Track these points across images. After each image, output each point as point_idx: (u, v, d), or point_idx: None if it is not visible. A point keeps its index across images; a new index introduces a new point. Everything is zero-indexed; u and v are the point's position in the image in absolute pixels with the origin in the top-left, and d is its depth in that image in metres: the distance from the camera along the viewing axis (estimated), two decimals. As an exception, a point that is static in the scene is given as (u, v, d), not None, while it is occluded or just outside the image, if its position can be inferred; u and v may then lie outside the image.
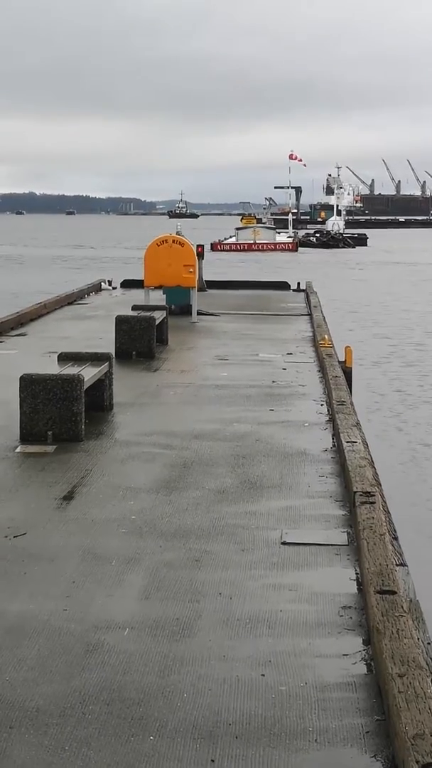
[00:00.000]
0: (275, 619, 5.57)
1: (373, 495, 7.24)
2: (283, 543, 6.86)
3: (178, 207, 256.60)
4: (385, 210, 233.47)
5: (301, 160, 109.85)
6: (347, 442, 8.97)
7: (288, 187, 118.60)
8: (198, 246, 22.86)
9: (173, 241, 20.00)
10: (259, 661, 5.05)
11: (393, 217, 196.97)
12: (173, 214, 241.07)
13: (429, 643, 5.25)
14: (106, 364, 11.02)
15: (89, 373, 10.32)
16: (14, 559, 6.51)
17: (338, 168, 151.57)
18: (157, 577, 6.21)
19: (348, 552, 6.71)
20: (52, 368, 10.60)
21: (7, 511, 7.54)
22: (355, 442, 9.00)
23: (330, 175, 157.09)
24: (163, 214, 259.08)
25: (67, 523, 7.30)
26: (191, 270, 19.87)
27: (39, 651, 5.14)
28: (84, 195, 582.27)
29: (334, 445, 9.74)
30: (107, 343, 15.34)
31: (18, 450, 9.39)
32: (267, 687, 4.78)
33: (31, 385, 9.70)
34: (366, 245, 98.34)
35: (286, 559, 6.58)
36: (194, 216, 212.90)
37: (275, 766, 4.11)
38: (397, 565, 6.06)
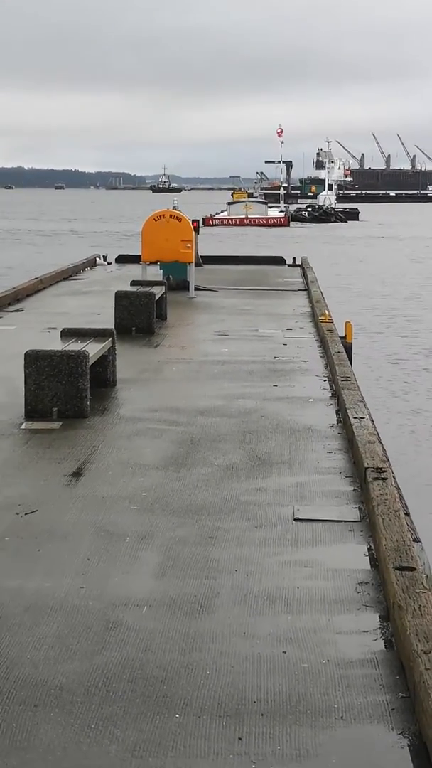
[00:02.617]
0: (293, 596, 5.57)
1: (385, 471, 7.23)
2: (296, 519, 6.85)
3: (162, 182, 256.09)
4: (375, 184, 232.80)
5: (280, 135, 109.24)
6: (355, 417, 8.95)
7: (279, 162, 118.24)
8: (193, 221, 22.76)
9: (171, 216, 19.91)
10: (280, 638, 5.04)
11: (384, 192, 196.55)
12: (156, 189, 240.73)
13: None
14: (110, 339, 10.98)
15: (93, 349, 10.27)
16: (27, 537, 6.49)
17: (329, 142, 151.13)
18: (171, 554, 6.20)
19: (361, 528, 6.70)
20: (54, 344, 10.56)
21: (16, 488, 7.52)
22: (363, 417, 8.98)
23: (321, 149, 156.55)
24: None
25: (78, 500, 7.28)
26: (189, 245, 19.78)
27: (58, 629, 5.13)
28: (73, 169, 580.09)
29: (339, 421, 9.73)
30: (106, 319, 15.29)
31: (23, 426, 9.35)
32: (289, 664, 4.77)
33: (36, 361, 9.65)
34: (357, 219, 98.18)
35: (300, 535, 6.57)
36: (177, 190, 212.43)
37: (303, 743, 4.10)
38: (412, 540, 6.06)
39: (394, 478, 7.41)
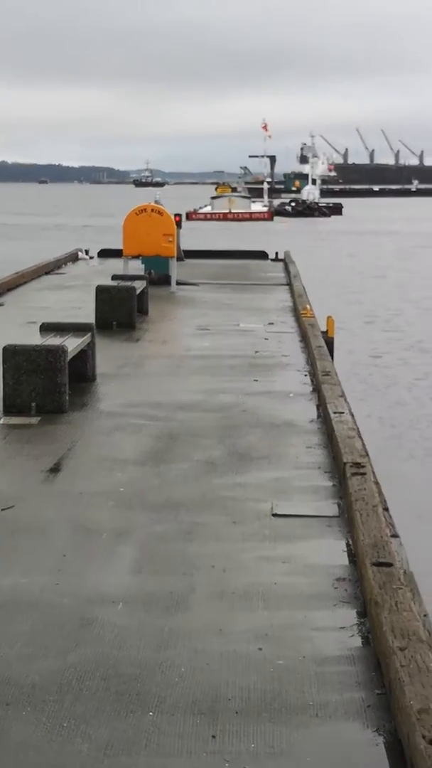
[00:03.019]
0: (270, 592, 5.53)
1: (364, 466, 7.20)
2: (274, 515, 6.82)
3: (145, 176, 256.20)
4: (358, 179, 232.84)
5: (266, 129, 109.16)
6: (334, 412, 8.92)
7: (263, 156, 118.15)
8: (175, 215, 22.70)
9: (152, 211, 19.84)
10: (256, 634, 5.00)
11: (367, 186, 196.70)
12: (139, 183, 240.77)
13: (425, 615, 5.22)
14: (89, 334, 10.92)
15: (72, 344, 10.22)
16: (3, 532, 6.44)
17: (312, 137, 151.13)
18: (148, 550, 6.16)
19: (339, 523, 6.67)
20: (34, 339, 10.49)
21: (-7, 484, 7.46)
22: (342, 412, 8.95)
23: (304, 144, 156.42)
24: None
25: (56, 495, 7.23)
26: (170, 239, 19.72)
27: (33, 626, 5.08)
28: (57, 164, 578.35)
29: (319, 416, 9.70)
30: (87, 313, 15.21)
31: (1, 422, 9.29)
32: (265, 661, 4.73)
33: (14, 356, 9.59)
34: (341, 214, 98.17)
35: (278, 531, 6.53)
36: (160, 185, 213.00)
37: (277, 741, 4.07)
38: (390, 536, 6.03)
39: (373, 473, 7.38)
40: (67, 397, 9.66)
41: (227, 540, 6.35)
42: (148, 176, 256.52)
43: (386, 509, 6.86)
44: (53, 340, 10.20)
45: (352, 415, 9.21)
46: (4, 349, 9.65)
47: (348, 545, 6.26)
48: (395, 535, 6.31)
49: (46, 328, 11.01)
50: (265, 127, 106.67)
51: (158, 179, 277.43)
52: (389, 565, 5.32)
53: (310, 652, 4.83)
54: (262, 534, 6.47)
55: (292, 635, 5.01)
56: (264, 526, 6.61)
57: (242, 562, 5.97)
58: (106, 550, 6.16)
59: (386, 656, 4.42)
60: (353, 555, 6.05)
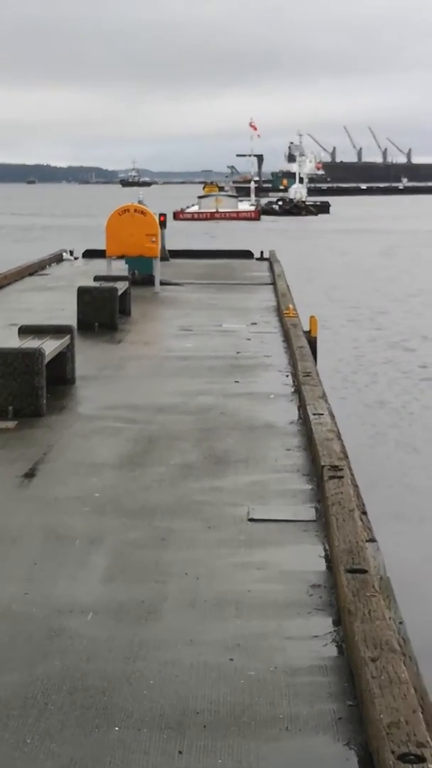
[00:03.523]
0: (243, 600, 5.43)
1: (341, 469, 7.10)
2: (250, 520, 6.71)
3: (131, 176, 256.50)
4: (346, 177, 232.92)
5: (256, 129, 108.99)
6: (314, 414, 8.82)
7: (250, 155, 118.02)
8: (160, 215, 22.60)
9: (135, 211, 19.73)
10: (227, 644, 4.90)
11: (355, 185, 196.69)
12: (126, 183, 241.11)
13: (401, 623, 5.13)
14: (68, 336, 10.81)
15: (50, 346, 10.11)
16: (-26, 541, 6.32)
17: (300, 135, 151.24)
18: (121, 557, 6.05)
19: (316, 528, 6.57)
20: (13, 341, 10.38)
21: (-34, 490, 7.34)
22: (322, 414, 8.86)
23: (292, 142, 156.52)
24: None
25: (29, 501, 7.12)
26: (154, 240, 19.61)
27: (0, 637, 4.96)
28: (45, 164, 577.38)
29: (300, 417, 9.60)
30: (70, 315, 15.10)
31: (-22, 426, 9.16)
32: (236, 672, 4.63)
33: (-10, 359, 9.46)
34: (328, 213, 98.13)
35: (254, 536, 6.43)
36: (147, 184, 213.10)
37: (245, 756, 3.97)
38: (366, 541, 5.93)
39: (351, 475, 7.29)
40: (45, 401, 9.55)
41: (202, 546, 6.25)
42: (134, 176, 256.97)
43: (364, 513, 6.77)
44: (31, 343, 10.09)
45: (332, 417, 9.11)
46: (-20, 352, 9.52)
47: (324, 550, 6.16)
48: (372, 540, 6.22)
49: (25, 331, 10.90)
50: (254, 126, 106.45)
51: (146, 179, 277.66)
52: (364, 571, 5.22)
53: (282, 662, 4.73)
54: (237, 540, 6.36)
55: (265, 645, 4.91)
56: (240, 532, 6.50)
57: (216, 569, 5.87)
58: (78, 557, 6.05)
59: (358, 667, 4.32)
60: (329, 561, 5.95)
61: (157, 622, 5.16)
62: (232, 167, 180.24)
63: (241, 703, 4.35)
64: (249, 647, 4.88)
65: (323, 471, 7.14)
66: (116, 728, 4.15)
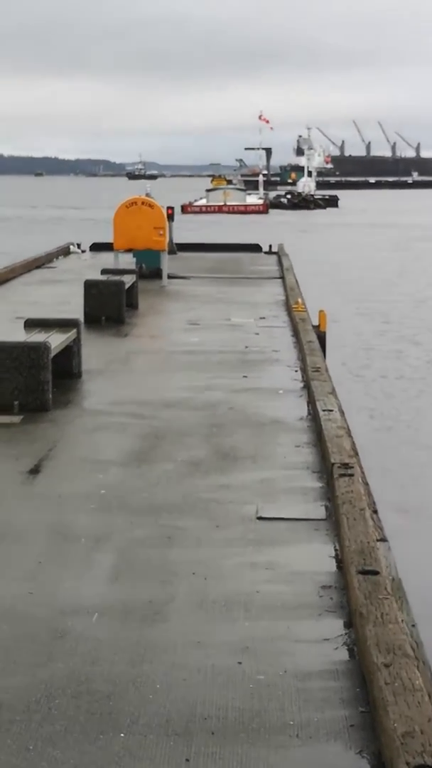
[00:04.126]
0: (252, 601, 5.31)
1: (352, 467, 6.98)
2: (259, 518, 6.59)
3: (138, 169, 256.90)
4: (355, 171, 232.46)
5: (268, 122, 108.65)
6: (323, 410, 8.70)
7: (258, 149, 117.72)
8: (168, 208, 22.45)
9: (143, 203, 19.60)
10: (236, 647, 4.78)
11: (363, 178, 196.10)
12: (132, 176, 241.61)
13: (413, 625, 5.01)
14: (74, 330, 10.69)
15: (57, 340, 9.99)
16: (-23, 538, 6.21)
17: (309, 129, 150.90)
18: (127, 556, 5.93)
19: (327, 527, 6.45)
20: (19, 335, 10.26)
21: (-30, 487, 7.23)
22: (332, 410, 8.73)
23: (301, 136, 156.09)
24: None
25: (34, 498, 7.00)
26: (161, 233, 19.48)
27: (2, 639, 4.85)
28: (53, 157, 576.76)
29: (309, 413, 9.47)
30: (76, 308, 14.97)
31: (-17, 421, 9.05)
32: (244, 676, 4.51)
33: (-5, 353, 9.35)
34: (337, 206, 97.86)
35: (263, 535, 6.31)
36: (153, 177, 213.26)
37: (254, 765, 3.84)
38: (377, 540, 5.81)
39: (362, 473, 7.17)
40: (51, 395, 9.43)
41: (209, 545, 6.12)
42: (141, 169, 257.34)
43: (375, 512, 6.64)
44: (37, 337, 9.98)
45: (342, 413, 8.99)
46: (-14, 346, 9.41)
47: (335, 550, 6.04)
48: (383, 539, 6.10)
49: (31, 324, 10.79)
50: (265, 120, 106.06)
51: (154, 172, 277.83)
52: (376, 573, 5.09)
53: (292, 666, 4.60)
54: (245, 539, 6.24)
55: (274, 648, 4.79)
56: (248, 530, 6.38)
57: (224, 569, 5.75)
58: (83, 556, 5.93)
59: (370, 673, 4.20)
60: (340, 561, 5.83)
61: (164, 624, 5.04)
62: (241, 160, 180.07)
63: (250, 709, 4.23)
64: (258, 650, 4.76)
65: (333, 468, 7.02)
66: (122, 734, 4.04)
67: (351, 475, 6.77)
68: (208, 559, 5.90)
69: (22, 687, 4.40)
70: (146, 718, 4.15)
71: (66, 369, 10.64)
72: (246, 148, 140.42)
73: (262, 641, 4.84)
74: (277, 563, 5.85)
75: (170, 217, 22.78)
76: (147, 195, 20.92)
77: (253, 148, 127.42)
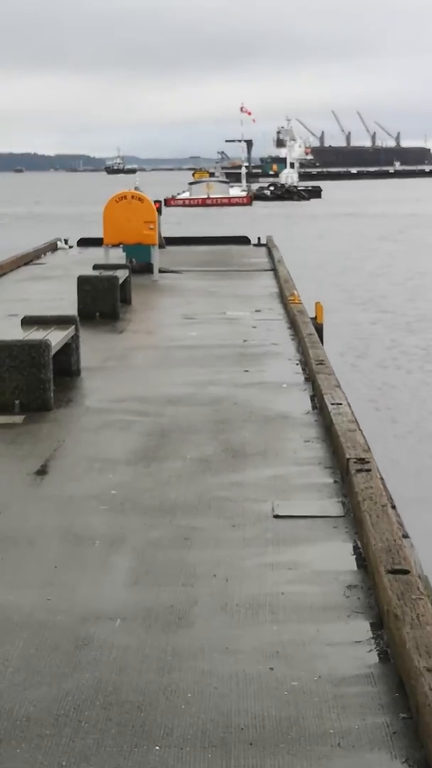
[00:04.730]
0: (277, 603, 5.16)
1: (368, 462, 6.84)
2: (276, 516, 6.44)
3: (116, 163, 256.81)
4: (335, 162, 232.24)
5: (250, 113, 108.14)
6: (332, 404, 8.55)
7: (240, 141, 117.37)
8: (155, 202, 22.26)
9: (132, 197, 19.41)
10: (266, 652, 4.63)
11: (345, 169, 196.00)
12: (111, 171, 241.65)
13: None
14: (73, 327, 10.52)
15: (56, 338, 9.82)
16: (-11, 543, 6.04)
17: (288, 120, 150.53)
18: (144, 558, 5.78)
19: (345, 524, 6.30)
20: (15, 333, 10.09)
21: (-23, 489, 7.06)
22: (341, 404, 8.59)
23: (282, 127, 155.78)
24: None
25: (43, 500, 6.84)
26: (152, 227, 19.30)
27: (24, 649, 4.69)
28: (33, 152, 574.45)
29: (315, 407, 9.33)
30: (69, 305, 14.82)
31: (-16, 421, 8.87)
32: (277, 682, 4.37)
33: (-5, 352, 9.16)
34: (320, 197, 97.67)
35: (281, 534, 6.16)
36: (132, 171, 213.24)
37: (298, 777, 3.70)
38: (401, 537, 5.67)
39: (377, 468, 7.02)
40: (52, 394, 9.26)
41: (227, 545, 5.97)
42: (119, 163, 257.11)
43: (394, 507, 6.50)
44: (36, 334, 9.80)
45: (350, 407, 8.84)
46: (-15, 345, 9.22)
47: (356, 548, 5.90)
48: (406, 536, 5.96)
49: (28, 322, 10.62)
50: (248, 111, 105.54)
51: (133, 166, 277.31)
52: (406, 572, 4.95)
53: (326, 671, 4.46)
54: (264, 538, 6.10)
55: (305, 652, 4.64)
56: (266, 529, 6.23)
57: (245, 570, 5.60)
58: (99, 560, 5.77)
59: (411, 678, 4.05)
60: (363, 559, 5.69)
61: (189, 629, 4.89)
62: (222, 153, 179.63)
63: (287, 717, 4.09)
64: (289, 655, 4.61)
65: (349, 464, 6.87)
66: (156, 747, 3.89)
67: (368, 471, 6.63)
68: (227, 559, 5.75)
69: (48, 699, 4.24)
70: (181, 730, 4.00)
71: (65, 367, 10.47)
72: (227, 141, 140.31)
73: (293, 645, 4.70)
74: (298, 563, 5.70)
75: (158, 211, 22.59)
76: (136, 189, 20.73)
77: (234, 140, 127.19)
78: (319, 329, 14.00)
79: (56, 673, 4.46)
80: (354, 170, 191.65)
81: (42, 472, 7.46)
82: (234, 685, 4.34)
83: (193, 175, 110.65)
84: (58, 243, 27.00)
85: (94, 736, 3.97)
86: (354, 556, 5.78)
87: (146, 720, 4.08)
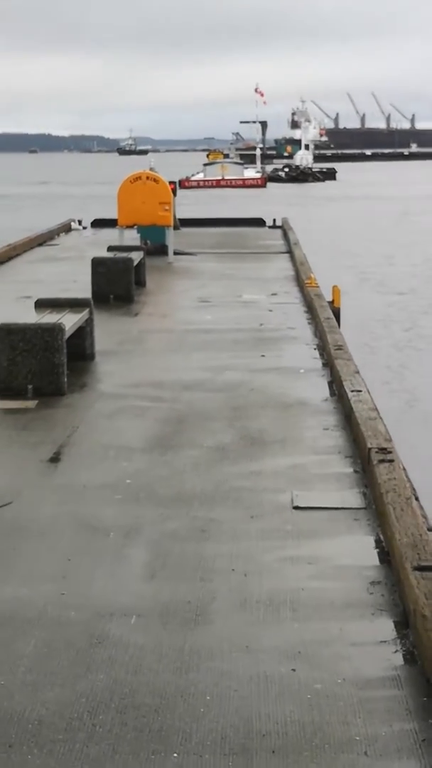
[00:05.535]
0: (298, 600, 4.98)
1: (390, 452, 6.64)
2: (295, 507, 6.26)
3: (128, 144, 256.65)
4: (350, 143, 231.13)
5: (263, 95, 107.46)
6: (352, 391, 8.35)
7: (254, 122, 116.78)
8: (170, 183, 22.02)
9: (147, 178, 19.18)
10: (287, 652, 4.45)
11: (360, 151, 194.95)
12: (123, 151, 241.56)
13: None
14: (87, 310, 10.33)
15: (70, 321, 9.63)
16: (0, 534, 5.87)
17: (303, 102, 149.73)
18: (161, 551, 5.60)
19: (367, 516, 6.12)
20: (28, 316, 9.90)
21: (-11, 477, 6.89)
22: (360, 390, 8.39)
23: (297, 108, 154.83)
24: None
25: (56, 489, 6.66)
26: (167, 208, 19.07)
27: (36, 647, 4.52)
28: (47, 133, 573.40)
29: (333, 394, 9.13)
30: (82, 287, 14.63)
31: (-4, 406, 8.70)
32: (300, 685, 4.19)
33: (8, 335, 8.99)
34: (335, 179, 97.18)
35: (301, 526, 5.98)
36: (144, 152, 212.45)
37: (323, 788, 3.53)
38: (427, 530, 5.47)
39: (400, 458, 6.82)
40: (66, 378, 9.08)
41: (246, 538, 5.79)
42: (131, 144, 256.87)
43: (417, 499, 6.30)
44: (49, 318, 9.62)
45: (369, 393, 8.63)
46: (-2, 328, 9.05)
47: (378, 542, 5.71)
48: (431, 529, 5.76)
49: (42, 304, 10.43)
50: (260, 93, 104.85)
51: (148, 147, 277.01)
52: (433, 569, 4.76)
53: (350, 673, 4.28)
54: (283, 530, 5.91)
55: (328, 652, 4.46)
56: (285, 521, 6.05)
57: (265, 564, 5.42)
58: (114, 551, 5.60)
59: (442, 683, 3.87)
60: (386, 554, 5.50)
61: (207, 626, 4.71)
62: (237, 134, 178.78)
63: (311, 723, 3.91)
64: (311, 655, 4.43)
65: (370, 454, 6.68)
66: (175, 754, 3.72)
67: (391, 461, 6.44)
68: (246, 553, 5.57)
69: (61, 701, 4.07)
70: (200, 735, 3.83)
71: (79, 351, 10.29)
72: (242, 122, 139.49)
73: (315, 645, 4.52)
74: (319, 557, 5.52)
75: (173, 192, 22.36)
76: (151, 169, 20.48)
77: (248, 122, 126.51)
78: (336, 313, 13.78)
79: (69, 673, 4.29)
80: (369, 152, 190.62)
81: (55, 459, 7.28)
82: (255, 687, 4.17)
83: (208, 156, 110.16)
84: (72, 224, 26.80)
85: (109, 741, 3.80)
86: (377, 551, 5.60)
87: (163, 724, 3.91)
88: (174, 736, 3.83)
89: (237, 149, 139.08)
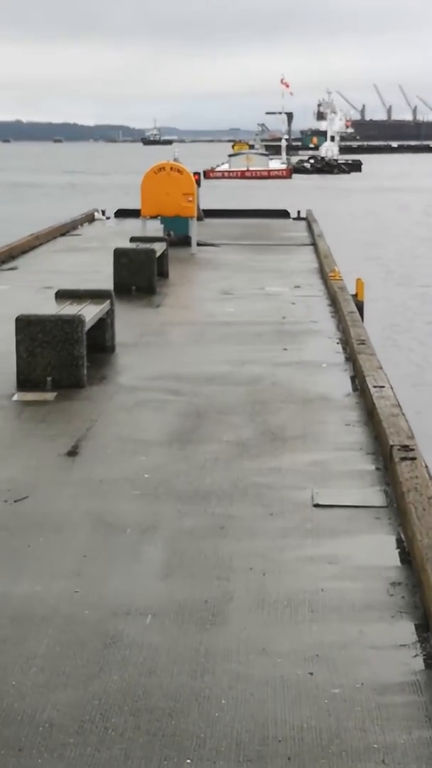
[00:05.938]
0: (317, 601, 4.88)
1: (413, 449, 6.53)
2: (316, 505, 6.15)
3: (153, 134, 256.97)
4: (376, 135, 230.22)
5: (288, 86, 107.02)
6: (374, 386, 8.23)
7: (280, 113, 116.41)
8: (194, 173, 21.92)
9: (171, 169, 19.07)
10: (305, 655, 4.36)
11: (386, 143, 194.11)
12: (147, 141, 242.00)
13: None
14: (108, 302, 10.24)
15: (90, 313, 9.54)
16: (16, 529, 5.80)
17: (329, 93, 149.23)
18: (178, 548, 5.51)
19: (389, 515, 6.01)
20: (49, 306, 9.83)
21: (5, 470, 6.82)
22: (383, 386, 8.27)
23: (323, 100, 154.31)
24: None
25: (73, 484, 6.58)
26: (190, 199, 18.96)
27: (49, 646, 4.44)
28: (72, 123, 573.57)
29: (355, 389, 9.02)
30: (104, 277, 14.55)
31: (15, 398, 8.64)
32: (318, 689, 4.09)
33: (28, 326, 8.91)
34: (360, 171, 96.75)
35: (321, 524, 5.88)
36: (168, 143, 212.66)
37: (339, 798, 3.43)
38: (449, 532, 5.36)
39: (422, 457, 6.70)
40: (85, 371, 9.00)
41: (265, 536, 5.70)
42: (156, 134, 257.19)
43: (439, 498, 6.19)
44: (70, 309, 9.53)
45: (392, 389, 8.51)
46: (18, 319, 8.97)
47: (400, 542, 5.60)
48: (453, 530, 5.65)
49: (62, 295, 10.34)
50: (286, 84, 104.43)
51: (172, 137, 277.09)
52: (455, 572, 4.65)
53: (369, 677, 4.18)
54: (303, 528, 5.81)
55: (346, 655, 4.36)
56: (305, 519, 5.95)
57: (283, 564, 5.32)
58: (130, 549, 5.52)
59: (463, 690, 3.76)
60: (407, 554, 5.40)
61: (224, 627, 4.62)
62: (263, 125, 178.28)
63: (328, 729, 3.82)
64: (329, 658, 4.33)
65: (392, 451, 6.57)
66: (188, 760, 3.63)
67: (413, 459, 6.33)
68: (264, 551, 5.47)
69: (73, 703, 3.99)
70: (214, 741, 3.74)
71: (99, 342, 10.21)
72: (267, 113, 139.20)
73: (334, 648, 4.42)
74: (339, 556, 5.42)
75: (197, 183, 22.24)
76: (175, 160, 20.38)
77: (274, 113, 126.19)
78: (360, 307, 13.65)
79: (82, 674, 4.21)
80: (395, 144, 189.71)
81: (73, 453, 7.21)
82: (271, 692, 4.08)
83: (233, 147, 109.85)
84: (95, 214, 26.73)
85: (121, 745, 3.72)
86: (398, 551, 5.49)
87: (177, 729, 3.82)
88: (187, 741, 3.75)
89: (262, 140, 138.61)
